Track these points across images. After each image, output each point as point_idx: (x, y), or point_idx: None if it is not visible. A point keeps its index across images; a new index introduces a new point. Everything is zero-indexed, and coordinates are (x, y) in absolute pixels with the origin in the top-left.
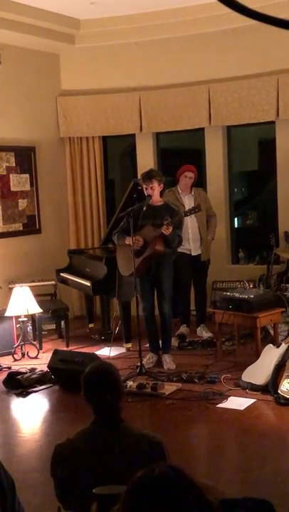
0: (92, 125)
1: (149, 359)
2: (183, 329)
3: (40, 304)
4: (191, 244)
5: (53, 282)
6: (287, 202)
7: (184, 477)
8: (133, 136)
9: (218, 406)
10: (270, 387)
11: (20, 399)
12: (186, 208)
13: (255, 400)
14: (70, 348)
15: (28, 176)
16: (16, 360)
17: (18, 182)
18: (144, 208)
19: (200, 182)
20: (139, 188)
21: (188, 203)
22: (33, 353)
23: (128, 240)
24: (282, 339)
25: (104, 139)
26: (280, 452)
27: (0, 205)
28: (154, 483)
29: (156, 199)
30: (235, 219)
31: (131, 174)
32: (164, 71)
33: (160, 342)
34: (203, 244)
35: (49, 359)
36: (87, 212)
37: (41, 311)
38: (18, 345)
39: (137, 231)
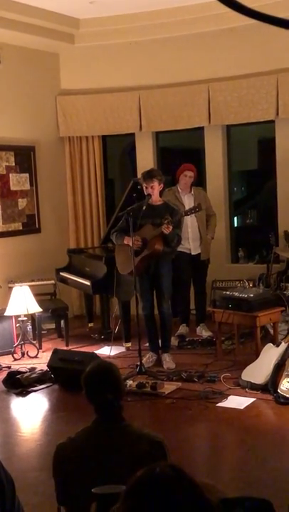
0: (92, 124)
1: (148, 358)
2: (182, 328)
3: (40, 303)
4: (190, 244)
5: (53, 282)
6: (287, 201)
7: (184, 476)
8: (133, 135)
9: (217, 405)
10: (270, 386)
11: (20, 398)
12: (186, 208)
13: (254, 399)
14: (70, 347)
15: (27, 175)
16: (15, 359)
17: (18, 181)
18: (144, 207)
19: (200, 181)
20: (139, 187)
21: (188, 202)
22: (32, 352)
23: (127, 240)
24: (281, 338)
25: (104, 138)
26: (280, 451)
27: (0, 205)
28: (154, 483)
29: (156, 198)
30: (235, 218)
31: (130, 173)
32: (164, 70)
33: (160, 341)
34: (202, 244)
35: (49, 358)
36: (86, 212)
37: (41, 310)
38: (17, 345)
39: (136, 230)
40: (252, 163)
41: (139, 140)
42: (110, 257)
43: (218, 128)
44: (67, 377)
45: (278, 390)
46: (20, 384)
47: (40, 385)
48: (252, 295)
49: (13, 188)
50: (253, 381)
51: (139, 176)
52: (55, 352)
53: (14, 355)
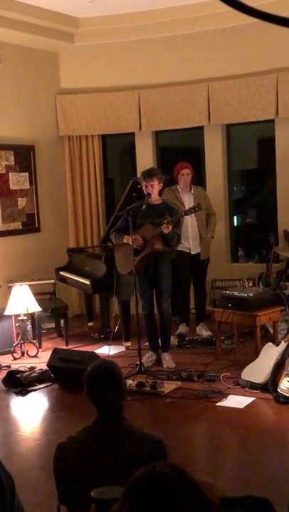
0: (92, 123)
1: (148, 358)
2: (182, 328)
3: (40, 302)
4: (190, 243)
5: (53, 281)
6: (287, 200)
7: (184, 476)
8: (132, 134)
9: (217, 404)
10: (270, 385)
11: (20, 398)
12: (186, 207)
13: (254, 398)
14: (70, 346)
15: (27, 174)
16: (15, 358)
17: (18, 180)
18: (144, 207)
19: (199, 180)
20: (139, 186)
21: (188, 201)
22: (32, 351)
23: (126, 239)
24: (281, 337)
25: (104, 138)
26: (280, 450)
27: None
28: (154, 482)
29: (155, 198)
30: (235, 217)
31: (130, 173)
32: (164, 69)
33: (159, 340)
34: (202, 243)
35: (48, 358)
36: (86, 211)
37: (41, 309)
38: (17, 344)
39: (135, 230)
40: (252, 162)
41: (139, 139)
42: (110, 257)
43: (217, 127)
44: (66, 377)
45: (278, 389)
46: (19, 383)
47: (40, 384)
48: (252, 294)
49: (12, 187)
50: (252, 380)
51: (138, 175)
52: (55, 351)
53: (14, 354)
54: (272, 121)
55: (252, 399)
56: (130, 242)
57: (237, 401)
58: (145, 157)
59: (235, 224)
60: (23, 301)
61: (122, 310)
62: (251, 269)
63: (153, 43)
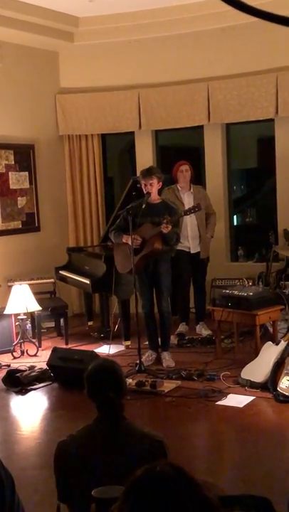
0: (91, 123)
1: (148, 357)
2: (182, 327)
3: (40, 301)
4: (190, 242)
5: (52, 280)
6: (287, 199)
7: (184, 475)
8: (132, 133)
9: (217, 403)
10: (269, 384)
11: (20, 397)
12: (186, 206)
13: (254, 397)
14: (70, 345)
15: (27, 173)
16: (15, 357)
17: (17, 180)
18: (143, 206)
19: (199, 179)
20: (138, 185)
21: (188, 200)
22: (32, 350)
23: (125, 239)
24: (281, 336)
25: (103, 137)
26: (279, 449)
27: None
28: (154, 481)
29: (155, 197)
30: (235, 217)
31: (130, 172)
32: (163, 69)
33: (159, 339)
34: (202, 242)
35: (48, 357)
36: (86, 210)
37: (40, 308)
38: (17, 343)
39: (135, 229)
40: (251, 161)
41: (139, 138)
42: (110, 256)
43: (217, 126)
44: (66, 376)
45: (278, 388)
46: (19, 382)
47: (40, 383)
48: (251, 293)
49: (12, 186)
50: (252, 379)
51: (138, 174)
52: (55, 350)
53: (14, 353)
54: (272, 120)
55: (252, 398)
56: (129, 242)
57: (237, 400)
58: (145, 156)
59: (235, 223)
60: (22, 300)
61: (122, 309)
62: (251, 268)
63: (153, 42)
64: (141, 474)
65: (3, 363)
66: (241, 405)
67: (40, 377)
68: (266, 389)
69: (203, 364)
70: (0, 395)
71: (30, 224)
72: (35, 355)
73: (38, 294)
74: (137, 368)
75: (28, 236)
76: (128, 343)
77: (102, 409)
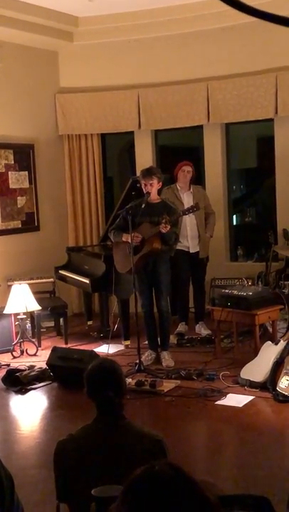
0: (91, 122)
1: (147, 356)
2: (181, 326)
3: (39, 301)
4: (189, 242)
5: (52, 280)
6: (286, 199)
7: (183, 474)
8: (132, 133)
9: (216, 403)
10: (269, 384)
11: (19, 396)
12: (186, 206)
13: (253, 397)
14: (69, 345)
15: (26, 173)
16: (14, 357)
17: (17, 179)
18: (143, 206)
19: (199, 179)
20: (138, 185)
21: (188, 200)
22: (31, 350)
23: (125, 237)
24: (280, 336)
25: (103, 137)
26: (279, 449)
27: None
28: (152, 481)
29: (154, 197)
30: (234, 216)
31: (129, 171)
32: (163, 68)
33: (159, 339)
34: (201, 242)
35: (48, 356)
36: (85, 210)
37: (40, 308)
38: (17, 343)
39: (134, 228)
40: (251, 161)
41: (138, 138)
42: (109, 255)
43: (217, 126)
44: (66, 375)
45: (277, 388)
46: (19, 382)
47: (39, 382)
48: (251, 293)
49: (12, 186)
50: (251, 379)
51: (138, 174)
52: (54, 350)
53: (13, 353)
54: (271, 120)
55: (251, 397)
56: (129, 241)
57: (236, 400)
58: (144, 156)
59: (235, 223)
60: (22, 299)
61: (121, 309)
62: (250, 268)
63: (152, 42)
64: (139, 474)
65: (3, 363)
66: (241, 405)
67: (39, 376)
68: (265, 388)
69: (203, 364)
70: (0, 394)
71: (29, 223)
72: (34, 354)
73: (38, 293)
74: (136, 368)
75: (28, 236)
76: (127, 342)
77: (101, 409)
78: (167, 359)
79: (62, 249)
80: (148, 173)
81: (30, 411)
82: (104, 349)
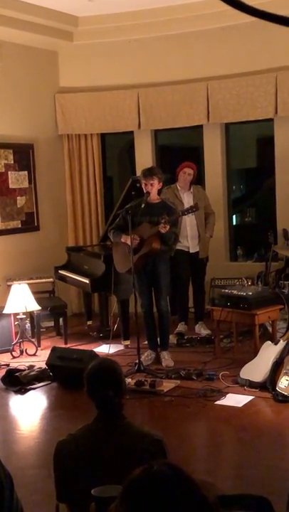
0: (91, 122)
1: (147, 356)
2: (181, 326)
3: (39, 301)
4: (189, 242)
5: (52, 280)
6: (286, 199)
7: (182, 474)
8: (131, 133)
9: (216, 403)
10: (268, 384)
11: (19, 396)
12: (186, 206)
13: (253, 397)
14: (69, 345)
15: (26, 173)
16: (14, 357)
17: (17, 179)
18: (143, 205)
19: (198, 179)
20: (138, 185)
21: (188, 200)
22: (31, 350)
23: (124, 238)
24: (280, 336)
25: (103, 136)
26: (278, 449)
27: None
28: (151, 481)
29: (154, 197)
30: (234, 216)
31: (129, 171)
32: (163, 68)
33: (158, 339)
34: (201, 242)
35: (47, 356)
36: (85, 210)
37: (40, 308)
38: (16, 343)
39: (133, 228)
40: (251, 161)
41: (138, 138)
42: (109, 255)
43: (217, 126)
44: (65, 375)
45: (276, 388)
46: (18, 382)
47: (39, 382)
48: (250, 293)
49: (11, 185)
50: (251, 379)
51: (137, 173)
52: (54, 350)
53: (13, 353)
54: (271, 120)
55: (251, 397)
56: (128, 242)
57: (236, 400)
58: (144, 156)
59: (234, 223)
60: (22, 299)
61: (121, 308)
62: (250, 267)
63: (152, 41)
64: (138, 474)
65: (3, 363)
66: (240, 405)
67: (39, 376)
68: (265, 388)
69: (202, 364)
70: None
71: (29, 223)
72: (34, 354)
73: (37, 293)
74: (136, 368)
75: (28, 235)
76: (127, 342)
77: (101, 408)
78: (167, 359)
79: (61, 249)
80: (149, 173)
81: (30, 411)
82: (103, 349)
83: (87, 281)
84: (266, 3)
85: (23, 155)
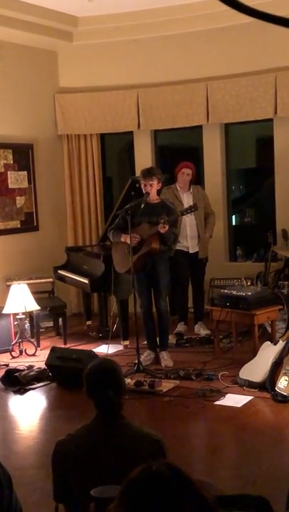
0: (90, 122)
1: (146, 356)
2: (180, 327)
3: (38, 301)
4: (188, 242)
5: (51, 280)
6: (285, 199)
7: (180, 474)
8: (131, 133)
9: (215, 403)
10: (268, 384)
11: (18, 396)
12: (185, 206)
13: (252, 397)
14: (68, 345)
15: (25, 173)
16: (13, 357)
17: (16, 179)
18: (142, 206)
19: (198, 179)
20: (137, 185)
21: (187, 200)
22: (30, 350)
23: (124, 238)
24: (279, 336)
25: (102, 137)
26: (277, 449)
27: None
28: (150, 481)
29: (153, 197)
30: (233, 216)
31: (129, 172)
32: (162, 68)
33: (158, 339)
34: (200, 242)
35: (47, 356)
36: (85, 210)
37: (39, 308)
38: (15, 343)
39: (133, 228)
40: (250, 161)
41: (138, 138)
42: (108, 255)
43: (216, 126)
44: (65, 375)
45: (276, 388)
46: (18, 382)
47: (38, 382)
48: (250, 293)
49: (11, 185)
50: (250, 379)
51: (137, 174)
52: (53, 350)
53: (12, 353)
54: (270, 120)
55: (250, 398)
56: (128, 241)
57: (235, 400)
58: (144, 156)
59: (234, 223)
60: (21, 299)
61: (120, 309)
62: (249, 268)
63: (152, 42)
64: (137, 474)
65: (2, 363)
66: (239, 405)
67: (38, 376)
68: (264, 389)
69: (202, 364)
70: None
71: (28, 223)
72: (33, 354)
73: (37, 293)
74: (135, 368)
75: (27, 235)
76: (126, 342)
77: (100, 408)
78: (166, 359)
79: (61, 249)
80: (149, 173)
81: (29, 411)
82: (103, 349)
83: (86, 282)
84: (265, 3)
85: (23, 155)
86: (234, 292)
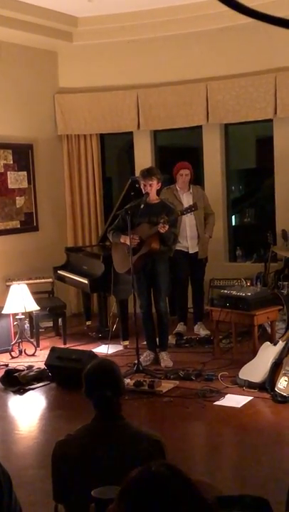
0: (90, 123)
1: (146, 356)
2: (180, 327)
3: (38, 301)
4: (188, 242)
5: (51, 280)
6: (285, 200)
7: (179, 475)
8: (131, 133)
9: (215, 403)
10: (267, 384)
11: (18, 396)
12: (185, 206)
13: (252, 397)
14: (68, 345)
15: (25, 173)
16: (13, 357)
17: (16, 179)
18: (142, 206)
19: (198, 179)
20: (137, 185)
21: (187, 200)
22: (30, 350)
23: (123, 239)
24: (279, 337)
25: (102, 137)
26: (277, 449)
27: None
28: (149, 482)
29: (153, 197)
30: (233, 217)
31: (128, 172)
32: (162, 69)
33: (157, 339)
34: (200, 242)
35: (46, 356)
36: (84, 210)
37: (38, 308)
38: (15, 343)
39: (133, 229)
40: (250, 161)
41: (137, 138)
42: (108, 256)
43: (216, 126)
44: (64, 376)
45: (275, 389)
46: (17, 382)
47: (38, 383)
48: (250, 294)
49: (11, 186)
50: (250, 380)
51: (137, 174)
52: (53, 350)
53: (12, 353)
54: (270, 120)
55: (250, 398)
56: (128, 242)
57: (235, 400)
58: (143, 156)
59: (234, 223)
60: (21, 299)
61: (120, 309)
62: (249, 268)
63: (151, 42)
64: (136, 474)
65: (1, 363)
66: (239, 405)
67: (38, 376)
68: (264, 389)
69: (201, 364)
70: None
71: (28, 224)
72: (33, 354)
73: (37, 293)
74: (135, 368)
75: (27, 236)
76: (126, 343)
77: (99, 409)
78: (166, 359)
79: (61, 250)
80: (148, 173)
81: (29, 411)
82: (102, 349)
83: (86, 282)
84: (264, 4)
85: (23, 155)
86: (234, 292)
